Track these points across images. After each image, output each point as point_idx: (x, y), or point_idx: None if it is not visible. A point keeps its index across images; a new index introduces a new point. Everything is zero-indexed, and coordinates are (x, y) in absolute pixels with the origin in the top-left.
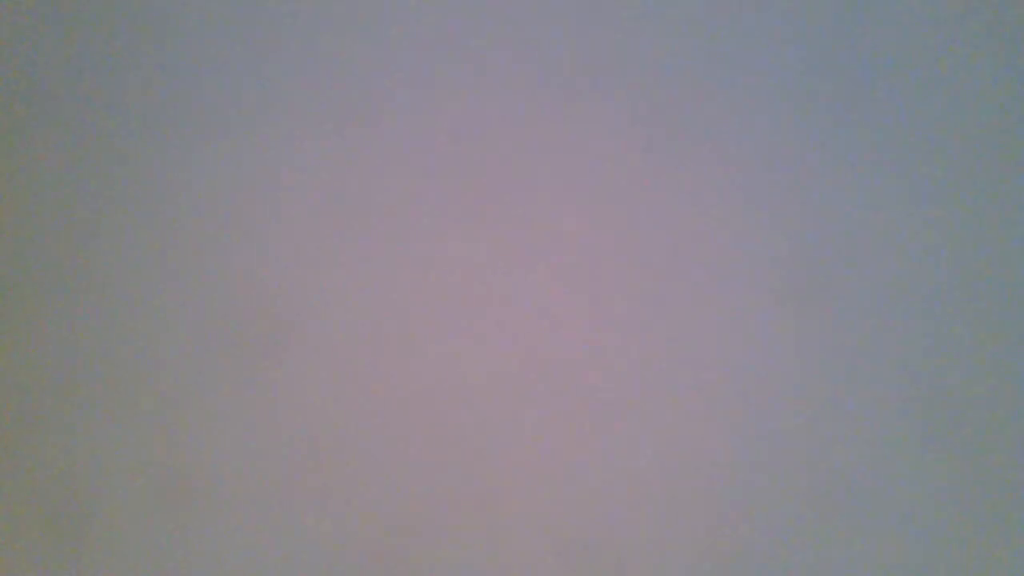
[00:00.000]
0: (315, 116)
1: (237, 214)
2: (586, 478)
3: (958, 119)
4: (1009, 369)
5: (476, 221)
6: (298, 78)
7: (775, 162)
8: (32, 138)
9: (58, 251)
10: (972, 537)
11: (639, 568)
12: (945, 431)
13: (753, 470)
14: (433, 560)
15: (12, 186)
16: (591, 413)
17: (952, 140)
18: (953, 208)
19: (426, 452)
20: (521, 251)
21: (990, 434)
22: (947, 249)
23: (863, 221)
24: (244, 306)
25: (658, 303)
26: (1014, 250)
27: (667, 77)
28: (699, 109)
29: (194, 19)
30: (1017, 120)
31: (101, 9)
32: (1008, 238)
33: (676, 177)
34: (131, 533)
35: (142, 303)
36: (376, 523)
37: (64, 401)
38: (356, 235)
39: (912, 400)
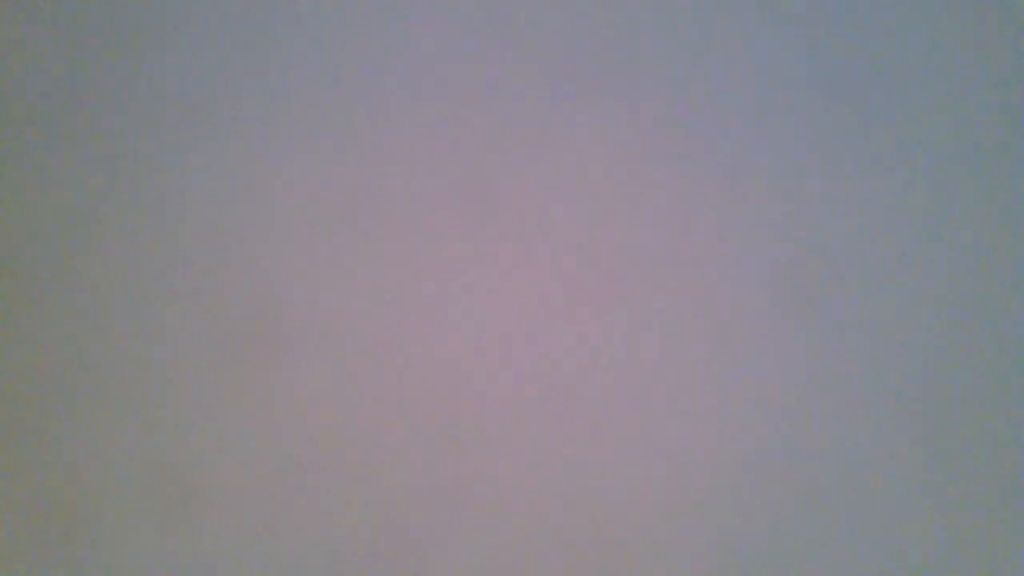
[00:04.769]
0: (315, 118)
1: (237, 215)
2: (586, 479)
3: (958, 122)
4: (1008, 370)
5: (476, 223)
6: (298, 79)
7: (773, 165)
8: (32, 138)
9: (57, 251)
10: (972, 538)
11: (640, 568)
12: (944, 432)
13: (752, 472)
14: (433, 561)
15: (12, 186)
16: (591, 414)
17: (952, 143)
18: (952, 212)
19: (426, 453)
20: (520, 254)
21: (989, 436)
22: (945, 252)
23: (861, 224)
24: (244, 307)
25: (658, 305)
26: (1013, 253)
27: (666, 80)
28: (699, 112)
29: (196, 18)
30: (1017, 122)
31: (101, 9)
32: (1007, 241)
33: (675, 179)
34: (130, 534)
35: (142, 304)
36: (376, 524)
37: (63, 402)
38: (356, 236)
39: (911, 402)
